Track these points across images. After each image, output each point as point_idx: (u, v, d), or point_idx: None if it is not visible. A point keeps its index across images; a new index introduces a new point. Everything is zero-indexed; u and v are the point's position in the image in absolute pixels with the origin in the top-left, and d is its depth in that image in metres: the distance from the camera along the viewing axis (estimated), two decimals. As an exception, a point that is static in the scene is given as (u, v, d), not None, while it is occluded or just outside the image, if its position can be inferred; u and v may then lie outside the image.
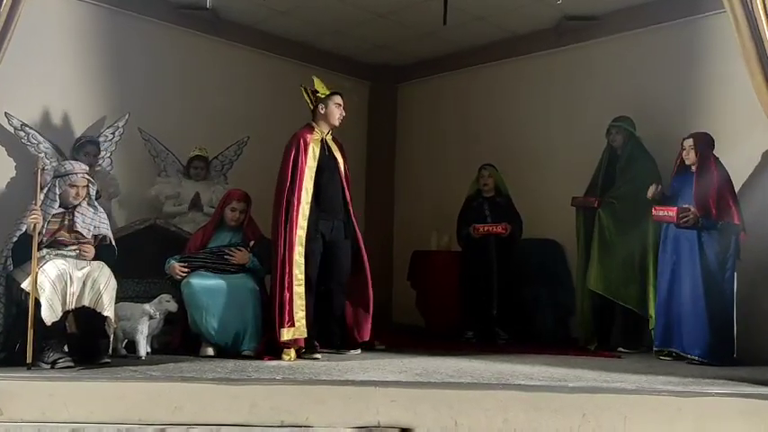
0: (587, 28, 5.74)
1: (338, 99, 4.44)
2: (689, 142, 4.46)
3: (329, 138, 4.49)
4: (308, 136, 4.34)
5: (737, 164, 4.54)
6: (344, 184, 4.48)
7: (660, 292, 4.49)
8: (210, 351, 4.10)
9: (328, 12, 5.69)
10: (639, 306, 4.78)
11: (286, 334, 4.01)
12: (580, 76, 5.87)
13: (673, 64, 5.28)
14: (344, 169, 4.50)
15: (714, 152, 4.44)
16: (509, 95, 6.32)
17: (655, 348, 4.46)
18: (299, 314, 4.07)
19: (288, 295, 4.05)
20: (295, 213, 4.15)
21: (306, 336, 4.10)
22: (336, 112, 4.42)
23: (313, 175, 4.28)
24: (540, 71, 6.14)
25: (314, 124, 4.43)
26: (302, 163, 4.24)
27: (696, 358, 4.18)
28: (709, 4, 4.77)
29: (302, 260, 4.13)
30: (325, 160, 4.38)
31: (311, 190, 4.25)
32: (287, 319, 4.02)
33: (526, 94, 6.20)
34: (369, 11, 5.70)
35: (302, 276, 4.12)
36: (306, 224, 4.18)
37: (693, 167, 4.45)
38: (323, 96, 4.41)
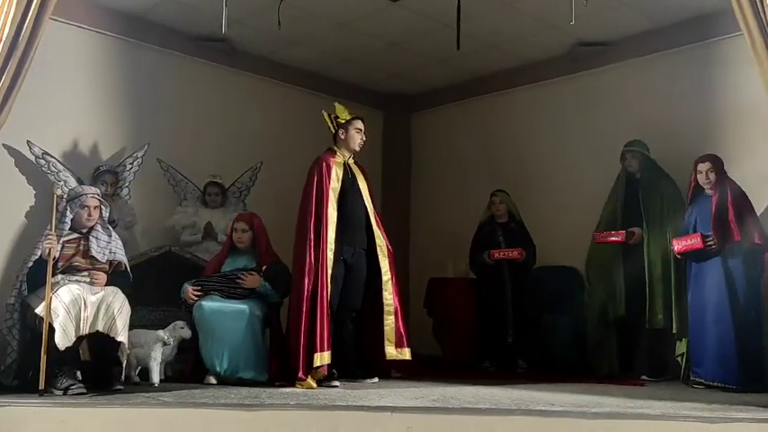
0: (600, 54, 5.75)
1: (359, 124, 4.46)
2: (706, 165, 4.33)
3: (351, 162, 4.49)
4: (331, 159, 4.35)
5: (753, 183, 4.46)
6: (369, 208, 4.42)
7: (692, 322, 4.32)
8: (213, 380, 4.06)
9: (341, 41, 5.75)
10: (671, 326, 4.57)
11: (319, 359, 3.93)
12: (594, 102, 5.85)
13: (687, 87, 5.24)
14: (369, 194, 4.47)
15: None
16: (524, 122, 6.31)
17: (692, 378, 4.28)
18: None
19: (323, 319, 3.97)
20: (324, 236, 4.09)
21: (330, 361, 4.02)
22: (357, 137, 4.43)
23: (337, 197, 4.25)
24: (554, 97, 6.13)
25: (335, 148, 4.44)
26: (326, 185, 4.21)
27: (731, 387, 4.01)
28: (723, 27, 4.78)
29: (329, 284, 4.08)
30: (349, 184, 4.36)
31: (336, 212, 4.21)
32: (324, 344, 3.94)
33: (541, 120, 6.19)
34: (381, 39, 5.75)
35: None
36: (333, 247, 4.14)
37: (710, 190, 4.34)
38: (343, 121, 4.42)
